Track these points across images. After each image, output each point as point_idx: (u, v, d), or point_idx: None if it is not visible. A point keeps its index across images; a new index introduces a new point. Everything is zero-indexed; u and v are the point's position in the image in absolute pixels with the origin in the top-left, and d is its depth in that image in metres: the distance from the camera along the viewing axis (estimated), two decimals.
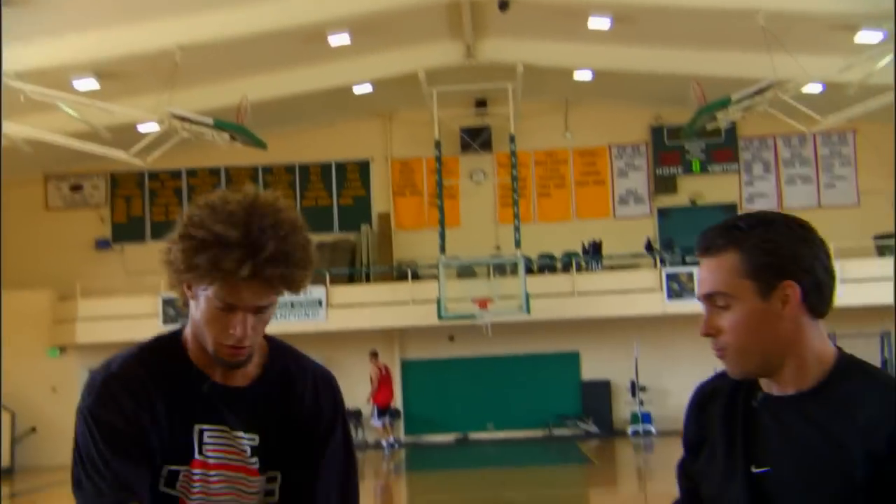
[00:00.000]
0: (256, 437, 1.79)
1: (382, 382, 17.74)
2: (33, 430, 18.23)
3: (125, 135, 15.90)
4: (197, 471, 1.75)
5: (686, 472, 1.71)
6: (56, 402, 17.89)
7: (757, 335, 1.50)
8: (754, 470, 1.54)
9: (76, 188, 20.47)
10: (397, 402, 19.01)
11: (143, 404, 1.71)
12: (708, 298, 1.54)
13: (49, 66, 14.56)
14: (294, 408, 1.83)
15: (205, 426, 1.75)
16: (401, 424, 19.41)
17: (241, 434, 1.77)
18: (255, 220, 1.62)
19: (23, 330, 17.95)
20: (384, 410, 17.94)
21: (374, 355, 17.76)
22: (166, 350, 1.78)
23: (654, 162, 20.52)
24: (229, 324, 1.67)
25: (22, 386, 17.73)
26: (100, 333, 17.42)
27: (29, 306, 18.36)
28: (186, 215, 1.68)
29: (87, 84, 15.47)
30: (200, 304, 1.70)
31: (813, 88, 15.86)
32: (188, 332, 1.79)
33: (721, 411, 1.63)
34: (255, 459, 1.78)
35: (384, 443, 18.09)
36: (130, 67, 15.47)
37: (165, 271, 1.71)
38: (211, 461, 1.75)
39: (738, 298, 1.50)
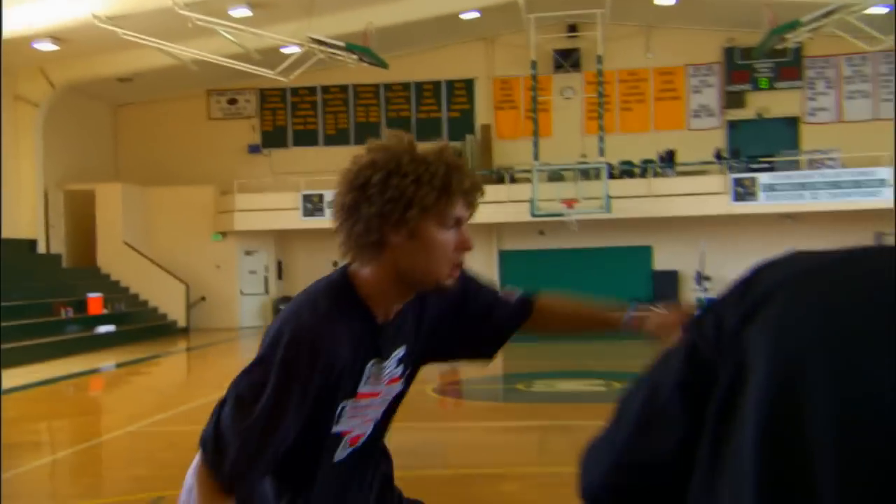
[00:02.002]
0: (402, 349, 1.87)
1: None
2: (203, 298, 22.09)
3: (272, 56, 18.70)
4: (363, 401, 1.82)
5: None
6: (219, 276, 22.24)
7: None
8: None
9: (232, 102, 23.83)
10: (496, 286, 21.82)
11: (344, 353, 1.72)
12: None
13: None
14: (428, 299, 1.91)
15: (372, 361, 1.80)
16: None
17: (391, 354, 1.85)
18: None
19: (192, 218, 22.03)
20: None
21: None
22: (348, 297, 1.76)
23: (726, 80, 22.74)
24: (463, 238, 1.78)
25: (193, 264, 21.90)
26: (252, 222, 21.55)
27: (196, 199, 22.18)
28: (414, 170, 1.71)
29: (242, 12, 17.89)
30: (426, 237, 1.73)
31: (877, 10, 17.36)
32: (365, 276, 1.77)
33: None
34: (400, 368, 1.88)
35: None
36: None
37: (370, 225, 1.70)
38: (368, 389, 1.82)
39: None
